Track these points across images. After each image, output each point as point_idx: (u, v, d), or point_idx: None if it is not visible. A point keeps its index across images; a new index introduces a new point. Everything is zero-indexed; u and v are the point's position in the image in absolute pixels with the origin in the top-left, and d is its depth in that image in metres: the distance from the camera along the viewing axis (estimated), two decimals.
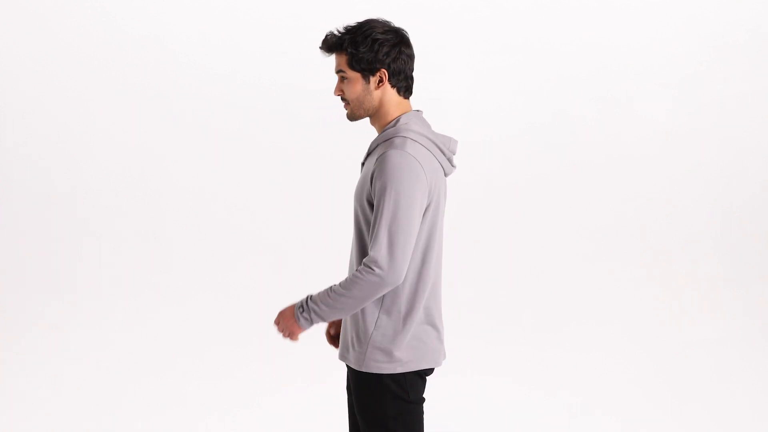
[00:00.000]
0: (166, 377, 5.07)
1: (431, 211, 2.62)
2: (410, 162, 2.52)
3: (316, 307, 2.57)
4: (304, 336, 2.69)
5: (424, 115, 2.76)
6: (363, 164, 2.79)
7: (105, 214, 5.21)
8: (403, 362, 2.58)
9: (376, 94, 2.64)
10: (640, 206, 5.44)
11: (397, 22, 2.71)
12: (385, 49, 2.59)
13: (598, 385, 5.17)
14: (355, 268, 2.65)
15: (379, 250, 2.47)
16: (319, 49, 2.69)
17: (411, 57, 2.67)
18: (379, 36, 2.59)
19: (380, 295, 2.52)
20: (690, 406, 5.12)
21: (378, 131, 2.75)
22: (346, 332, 2.74)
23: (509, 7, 5.38)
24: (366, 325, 2.62)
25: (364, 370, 2.61)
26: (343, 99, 2.69)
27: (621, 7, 5.45)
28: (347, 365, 2.75)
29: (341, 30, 2.64)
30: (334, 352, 2.84)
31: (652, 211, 5.45)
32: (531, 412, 5.06)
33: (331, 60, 2.72)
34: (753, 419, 5.07)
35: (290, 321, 2.62)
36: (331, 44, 2.64)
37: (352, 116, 2.71)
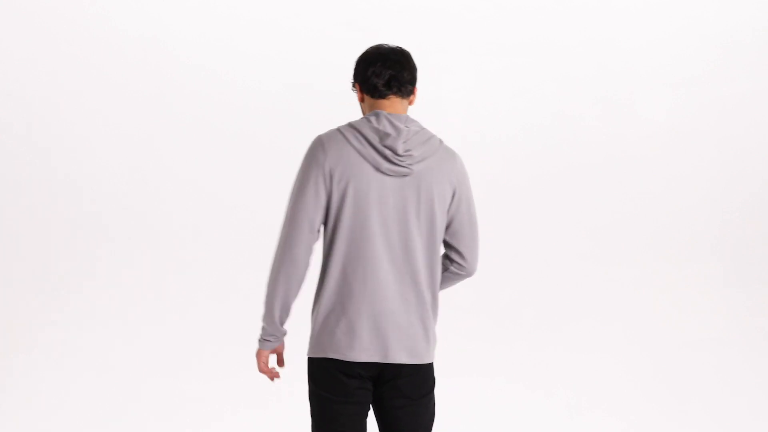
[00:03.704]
0: (167, 378, 5.07)
1: (337, 197, 2.69)
2: (313, 143, 2.76)
3: (262, 320, 2.87)
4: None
5: (414, 116, 2.79)
6: None
7: (105, 214, 5.21)
8: (312, 348, 2.79)
9: (363, 105, 2.85)
10: (640, 206, 5.44)
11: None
12: (356, 67, 2.82)
13: (598, 385, 5.17)
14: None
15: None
16: None
17: (374, 64, 2.77)
18: (358, 57, 2.83)
19: (283, 271, 2.71)
20: (690, 406, 5.12)
21: None
22: None
23: (511, 7, 5.38)
24: None
25: None
26: None
27: (623, 8, 5.45)
28: None
29: None
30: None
31: (652, 211, 5.45)
32: (531, 412, 5.07)
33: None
34: (753, 419, 5.07)
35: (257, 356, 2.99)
36: None
37: None
